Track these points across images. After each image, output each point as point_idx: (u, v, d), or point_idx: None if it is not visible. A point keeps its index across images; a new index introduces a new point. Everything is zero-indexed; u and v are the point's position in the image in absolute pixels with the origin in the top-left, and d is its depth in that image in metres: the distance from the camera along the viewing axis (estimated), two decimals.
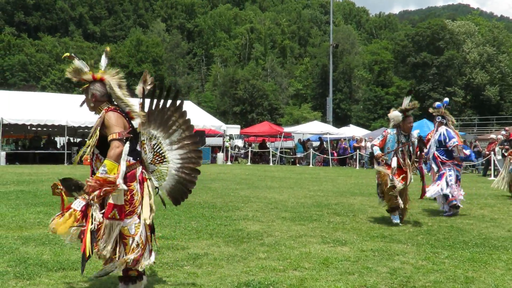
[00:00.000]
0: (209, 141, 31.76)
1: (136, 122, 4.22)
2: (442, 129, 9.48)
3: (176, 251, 5.88)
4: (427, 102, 60.16)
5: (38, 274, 4.77)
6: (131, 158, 4.07)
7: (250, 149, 32.99)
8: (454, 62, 62.03)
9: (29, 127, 28.07)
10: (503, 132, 19.54)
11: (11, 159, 24.82)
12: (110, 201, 3.91)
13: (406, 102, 8.23)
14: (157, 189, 4.40)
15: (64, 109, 24.80)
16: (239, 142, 39.30)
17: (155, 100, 4.37)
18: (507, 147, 16.56)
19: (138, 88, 4.36)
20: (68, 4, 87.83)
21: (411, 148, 8.19)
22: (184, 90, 78.23)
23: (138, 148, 4.26)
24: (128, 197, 4.02)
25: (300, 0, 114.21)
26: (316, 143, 33.62)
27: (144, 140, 4.34)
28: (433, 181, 9.44)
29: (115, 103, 4.19)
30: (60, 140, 32.30)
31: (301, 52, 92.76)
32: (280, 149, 33.13)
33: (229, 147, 33.06)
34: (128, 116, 4.17)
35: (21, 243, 6.07)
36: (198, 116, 30.86)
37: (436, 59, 62.05)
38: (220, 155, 30.21)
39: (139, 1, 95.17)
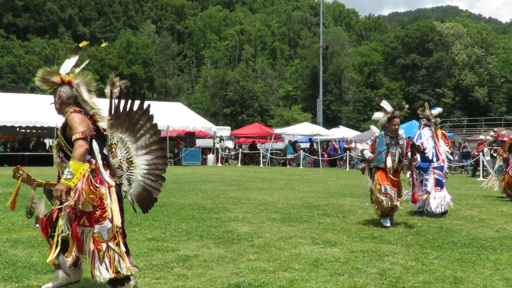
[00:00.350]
0: (200, 142, 31.72)
1: (101, 125, 4.17)
2: (424, 131, 9.53)
3: (166, 252, 5.87)
4: (416, 104, 60.52)
5: (27, 276, 4.75)
6: None
7: (240, 150, 33.00)
8: (443, 64, 62.39)
9: (18, 129, 27.88)
10: (492, 133, 19.68)
11: None
12: (80, 207, 3.90)
13: (388, 106, 8.07)
14: (125, 194, 4.34)
15: (53, 111, 24.51)
16: (230, 144, 39.27)
17: (122, 103, 4.31)
18: (496, 147, 16.68)
19: (106, 91, 4.34)
20: (57, 6, 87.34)
21: (399, 150, 8.06)
22: (175, 92, 78.12)
23: (105, 151, 4.20)
24: (98, 202, 3.99)
25: (290, 2, 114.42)
26: (304, 145, 33.72)
27: (113, 144, 4.28)
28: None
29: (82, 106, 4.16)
30: (49, 142, 32.13)
31: (291, 53, 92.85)
32: (271, 150, 33.16)
33: (220, 149, 33.02)
34: (93, 119, 4.13)
35: (9, 246, 6.03)
36: (188, 117, 30.87)
37: (425, 61, 62.39)
38: (211, 157, 30.18)
39: (129, 3, 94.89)
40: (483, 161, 20.22)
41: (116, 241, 4.08)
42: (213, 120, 50.47)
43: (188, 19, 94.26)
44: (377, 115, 8.24)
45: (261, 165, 30.03)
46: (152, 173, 4.37)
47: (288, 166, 30.23)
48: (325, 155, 31.08)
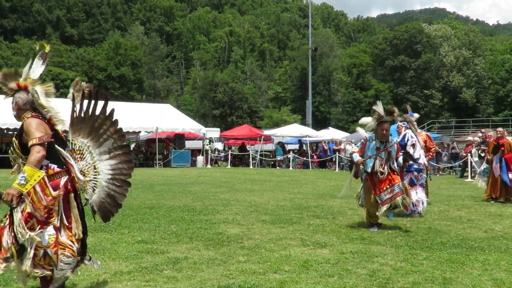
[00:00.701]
0: (189, 144, 31.67)
1: (60, 129, 4.09)
2: (408, 132, 9.54)
3: (155, 255, 5.85)
4: (405, 105, 60.88)
5: (15, 280, 4.71)
6: (56, 166, 3.97)
7: (230, 152, 32.98)
8: (431, 65, 62.75)
9: (5, 131, 27.66)
10: (480, 134, 19.85)
11: None
12: (28, 210, 3.81)
13: (381, 108, 7.90)
14: (86, 201, 4.24)
15: None
16: (219, 145, 39.22)
17: (85, 107, 4.20)
18: (483, 148, 16.79)
19: (69, 95, 4.26)
20: (45, 7, 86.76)
21: (386, 155, 7.84)
22: (163, 93, 77.87)
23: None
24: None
25: (279, 3, 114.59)
26: (292, 146, 33.81)
27: (74, 149, 4.16)
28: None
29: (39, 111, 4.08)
30: None
31: (280, 55, 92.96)
32: (260, 152, 33.16)
33: (209, 150, 32.97)
34: (50, 122, 4.06)
35: None
36: (177, 119, 30.79)
37: (414, 62, 62.72)
38: (200, 158, 30.11)
39: (117, 4, 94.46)
40: (471, 162, 20.36)
41: (55, 248, 3.94)
42: (203, 121, 50.38)
43: (177, 21, 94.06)
44: (365, 120, 8.18)
45: (251, 167, 30.02)
46: (117, 178, 4.26)
47: (277, 167, 30.25)
48: (315, 157, 31.13)
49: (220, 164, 33.29)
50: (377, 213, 7.79)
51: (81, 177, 4.11)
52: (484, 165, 12.84)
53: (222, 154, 35.04)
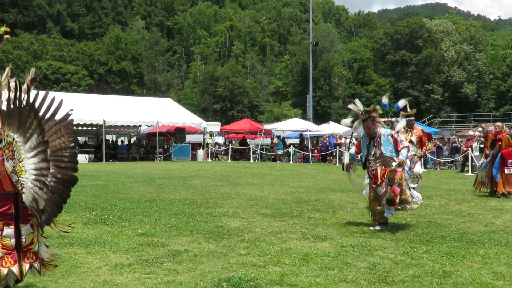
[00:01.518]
0: (190, 138, 31.71)
1: None
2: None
3: (156, 248, 5.86)
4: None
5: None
6: None
7: (230, 146, 32.98)
8: (432, 60, 62.69)
9: None
10: (480, 129, 19.83)
11: None
12: None
13: (358, 107, 7.51)
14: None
15: None
16: (220, 139, 39.24)
17: (12, 98, 3.70)
18: (482, 139, 16.77)
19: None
20: (45, 1, 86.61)
21: (376, 150, 7.48)
22: (164, 88, 77.91)
23: None
24: None
25: None
26: (292, 140, 33.85)
27: (7, 144, 3.70)
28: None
29: None
30: None
31: (281, 50, 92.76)
32: (261, 146, 33.14)
33: (211, 144, 32.99)
34: None
35: None
36: (178, 113, 30.82)
37: (415, 57, 62.65)
38: (201, 152, 30.15)
39: None
40: (471, 157, 20.37)
41: None
42: (203, 116, 50.39)
43: (177, 15, 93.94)
44: (344, 121, 7.99)
45: (251, 161, 30.02)
46: (39, 180, 3.72)
47: (278, 161, 30.25)
48: (316, 151, 31.13)
49: (220, 158, 33.32)
50: (378, 208, 7.57)
51: (13, 176, 3.71)
52: (482, 160, 12.81)
53: (223, 148, 35.06)
